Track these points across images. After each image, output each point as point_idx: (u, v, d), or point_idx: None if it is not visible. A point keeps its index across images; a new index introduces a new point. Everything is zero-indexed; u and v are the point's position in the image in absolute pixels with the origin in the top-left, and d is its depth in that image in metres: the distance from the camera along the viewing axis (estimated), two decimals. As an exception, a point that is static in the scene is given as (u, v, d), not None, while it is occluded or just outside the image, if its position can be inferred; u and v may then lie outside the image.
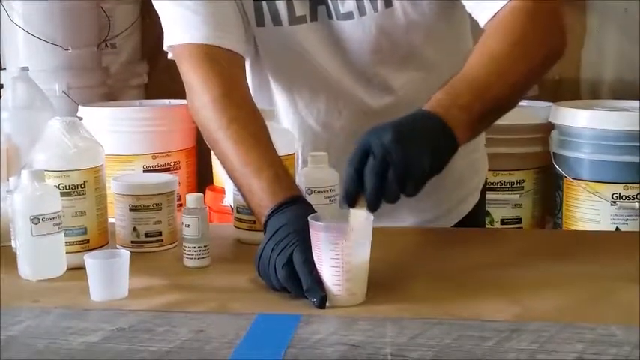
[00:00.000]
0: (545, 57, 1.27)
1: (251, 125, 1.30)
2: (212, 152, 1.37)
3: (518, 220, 2.78)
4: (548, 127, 2.70)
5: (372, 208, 1.07)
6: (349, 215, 1.08)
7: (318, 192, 1.32)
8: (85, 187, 1.26)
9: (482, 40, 1.25)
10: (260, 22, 1.41)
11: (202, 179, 2.91)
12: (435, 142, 1.10)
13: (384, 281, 1.14)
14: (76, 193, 1.26)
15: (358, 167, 1.07)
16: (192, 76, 1.35)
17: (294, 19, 1.39)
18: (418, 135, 1.09)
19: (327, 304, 1.06)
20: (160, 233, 1.36)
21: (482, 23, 1.29)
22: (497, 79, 1.19)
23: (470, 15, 1.36)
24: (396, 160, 1.05)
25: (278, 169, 1.24)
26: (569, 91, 3.19)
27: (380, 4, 1.36)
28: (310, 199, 1.27)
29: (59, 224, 1.21)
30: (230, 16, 1.38)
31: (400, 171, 1.05)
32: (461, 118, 1.12)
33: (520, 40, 1.23)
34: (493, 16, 1.26)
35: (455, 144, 1.12)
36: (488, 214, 2.69)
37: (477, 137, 1.23)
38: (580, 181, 2.56)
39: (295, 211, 1.15)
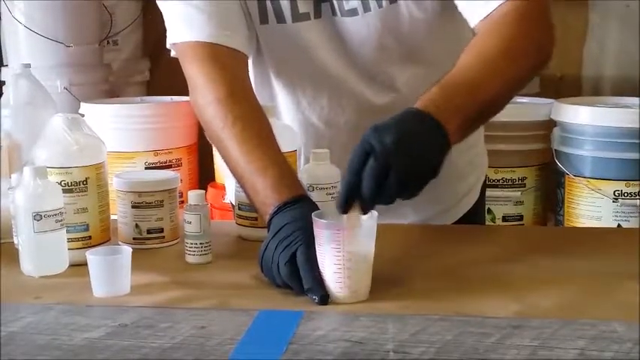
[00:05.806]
0: (536, 60, 1.27)
1: (255, 123, 1.30)
2: (214, 149, 1.37)
3: (520, 217, 2.78)
4: (550, 124, 2.70)
5: (366, 211, 1.06)
6: (344, 219, 1.06)
7: (320, 189, 1.32)
8: (86, 183, 1.26)
9: (475, 42, 1.24)
10: (264, 19, 1.41)
11: (204, 176, 2.92)
12: (435, 146, 1.09)
13: (385, 278, 1.14)
14: (78, 189, 1.26)
15: (358, 172, 1.05)
16: (196, 74, 1.35)
17: (297, 17, 1.39)
18: (419, 138, 1.07)
19: (329, 301, 1.06)
20: (161, 230, 1.36)
21: (472, 24, 1.29)
22: (490, 81, 1.19)
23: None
24: (398, 165, 1.04)
25: (282, 167, 1.24)
26: (570, 88, 3.19)
27: (384, 0, 1.36)
28: (312, 195, 1.27)
29: (61, 221, 1.21)
30: (234, 14, 1.38)
31: (401, 176, 1.04)
32: (454, 120, 1.11)
33: (512, 43, 1.23)
34: (484, 18, 1.26)
35: (448, 146, 1.10)
36: (489, 211, 2.69)
37: (464, 139, 1.22)
38: (582, 178, 2.55)
39: (299, 209, 1.15)
